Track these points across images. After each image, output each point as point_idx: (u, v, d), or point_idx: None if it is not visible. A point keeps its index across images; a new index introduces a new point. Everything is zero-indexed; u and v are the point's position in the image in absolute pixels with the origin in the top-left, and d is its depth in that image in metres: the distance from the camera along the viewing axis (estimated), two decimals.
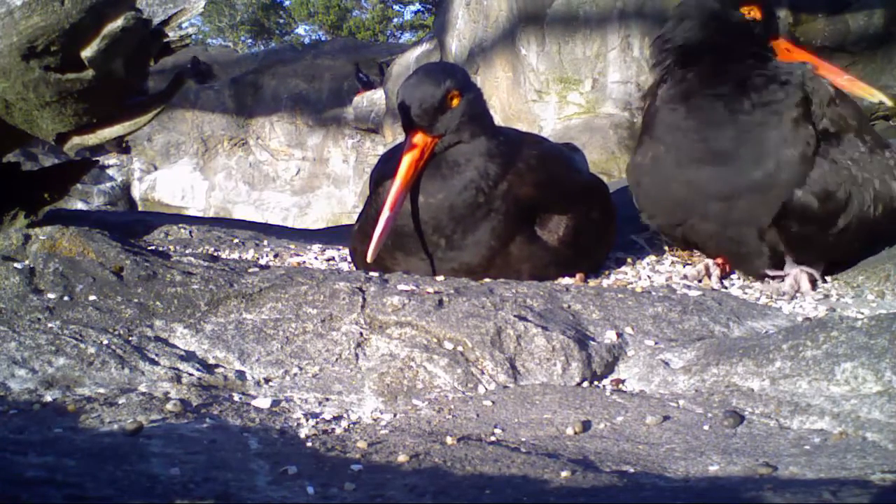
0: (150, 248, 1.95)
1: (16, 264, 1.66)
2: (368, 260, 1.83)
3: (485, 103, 1.96)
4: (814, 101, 1.85)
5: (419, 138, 1.83)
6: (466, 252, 1.86)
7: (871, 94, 1.96)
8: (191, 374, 1.39)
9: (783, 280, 1.93)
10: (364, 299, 1.63)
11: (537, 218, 1.92)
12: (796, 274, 1.91)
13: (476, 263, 1.86)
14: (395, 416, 1.29)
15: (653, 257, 2.19)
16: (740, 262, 1.99)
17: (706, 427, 1.22)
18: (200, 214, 8.11)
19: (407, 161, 1.82)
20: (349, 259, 2.12)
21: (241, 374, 1.42)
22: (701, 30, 1.91)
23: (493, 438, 1.17)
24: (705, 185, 1.86)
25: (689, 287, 1.91)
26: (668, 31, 1.97)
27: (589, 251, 2.04)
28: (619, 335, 1.59)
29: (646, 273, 2.07)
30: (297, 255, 2.18)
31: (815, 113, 1.85)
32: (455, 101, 1.83)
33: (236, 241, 2.23)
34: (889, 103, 2.06)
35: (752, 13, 1.92)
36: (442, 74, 1.87)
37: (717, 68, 1.87)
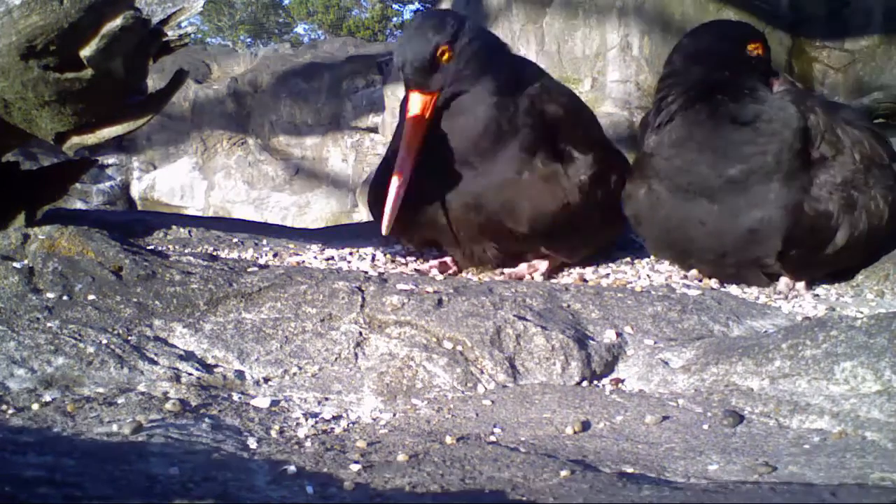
0: (149, 247, 1.95)
1: (15, 264, 1.66)
2: (384, 233, 1.85)
3: (486, 38, 1.89)
4: (812, 131, 1.83)
5: (417, 97, 1.80)
6: (495, 171, 1.83)
7: None
8: (190, 374, 1.39)
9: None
10: (363, 298, 1.63)
11: (561, 150, 1.90)
12: None
13: (505, 180, 1.83)
14: (394, 415, 1.29)
15: (652, 257, 2.19)
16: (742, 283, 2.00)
17: (705, 426, 1.22)
18: (200, 214, 8.09)
19: (411, 121, 1.80)
20: (348, 258, 2.12)
21: (240, 374, 1.42)
22: (709, 71, 1.88)
23: (492, 438, 1.17)
24: (699, 232, 1.88)
25: (688, 286, 1.91)
26: (678, 61, 1.94)
27: (602, 209, 1.98)
28: (619, 334, 1.59)
29: (645, 272, 2.07)
30: (297, 254, 2.18)
31: (814, 143, 1.83)
32: (446, 57, 1.78)
33: (235, 240, 2.22)
34: None
35: (757, 50, 1.92)
36: (431, 29, 1.81)
37: (712, 108, 1.84)
